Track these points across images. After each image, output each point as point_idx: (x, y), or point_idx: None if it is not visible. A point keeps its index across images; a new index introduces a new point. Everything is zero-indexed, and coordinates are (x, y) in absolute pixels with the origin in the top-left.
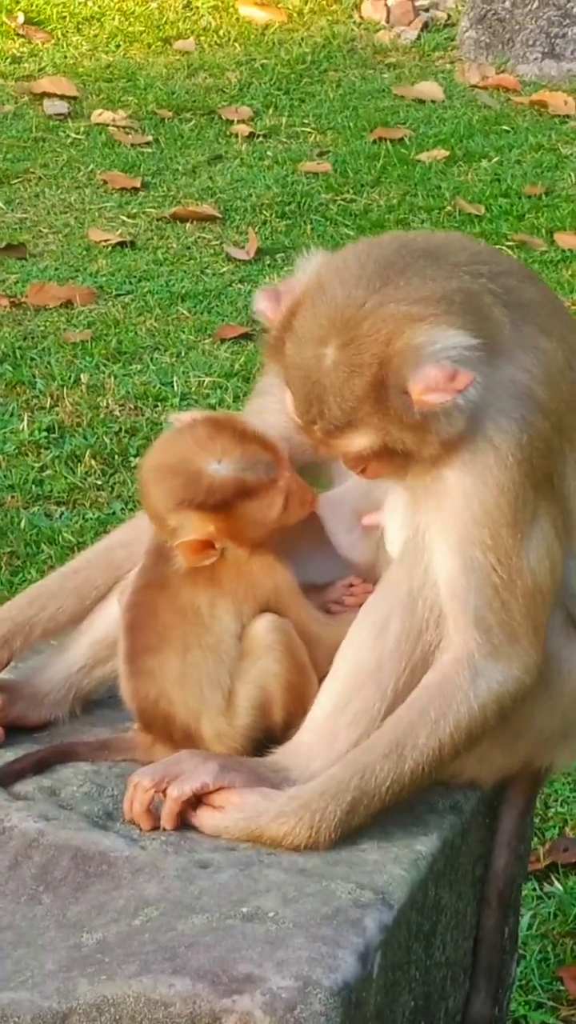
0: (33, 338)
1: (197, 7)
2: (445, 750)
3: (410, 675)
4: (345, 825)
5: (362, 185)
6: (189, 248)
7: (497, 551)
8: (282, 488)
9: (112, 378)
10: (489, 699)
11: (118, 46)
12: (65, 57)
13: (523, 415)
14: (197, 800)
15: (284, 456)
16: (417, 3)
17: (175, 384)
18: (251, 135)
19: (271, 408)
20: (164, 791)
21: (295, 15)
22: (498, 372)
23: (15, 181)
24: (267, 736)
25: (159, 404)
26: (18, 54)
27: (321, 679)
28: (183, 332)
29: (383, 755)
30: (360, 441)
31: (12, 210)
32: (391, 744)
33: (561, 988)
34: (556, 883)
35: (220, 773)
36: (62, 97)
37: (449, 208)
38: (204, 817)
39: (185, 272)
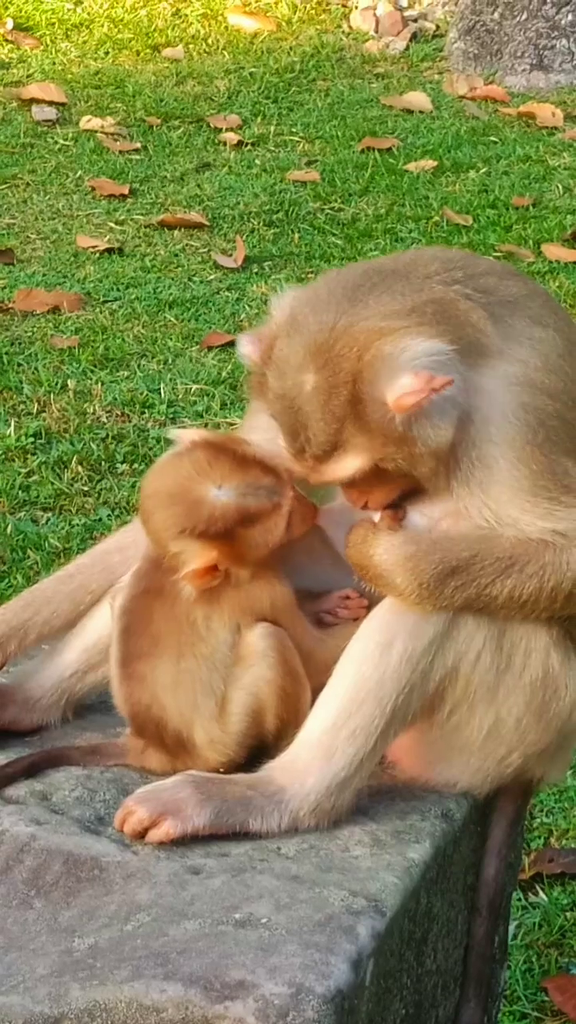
0: (20, 344)
1: (186, 15)
2: (542, 593)
3: (409, 694)
4: (436, 587)
5: (350, 194)
6: (177, 255)
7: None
8: (285, 512)
9: (99, 384)
10: None
11: (107, 53)
12: (54, 63)
13: (523, 402)
14: None
15: (285, 476)
16: (406, 14)
17: (162, 391)
18: (239, 143)
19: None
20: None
21: (284, 24)
22: (486, 373)
23: (3, 187)
24: (259, 743)
25: (146, 411)
26: (6, 60)
27: (312, 692)
28: (170, 339)
29: (496, 557)
30: (350, 464)
31: (0, 216)
32: (504, 557)
33: (545, 999)
34: (541, 893)
35: (215, 819)
36: (51, 103)
37: (437, 218)
38: None
39: (172, 279)
